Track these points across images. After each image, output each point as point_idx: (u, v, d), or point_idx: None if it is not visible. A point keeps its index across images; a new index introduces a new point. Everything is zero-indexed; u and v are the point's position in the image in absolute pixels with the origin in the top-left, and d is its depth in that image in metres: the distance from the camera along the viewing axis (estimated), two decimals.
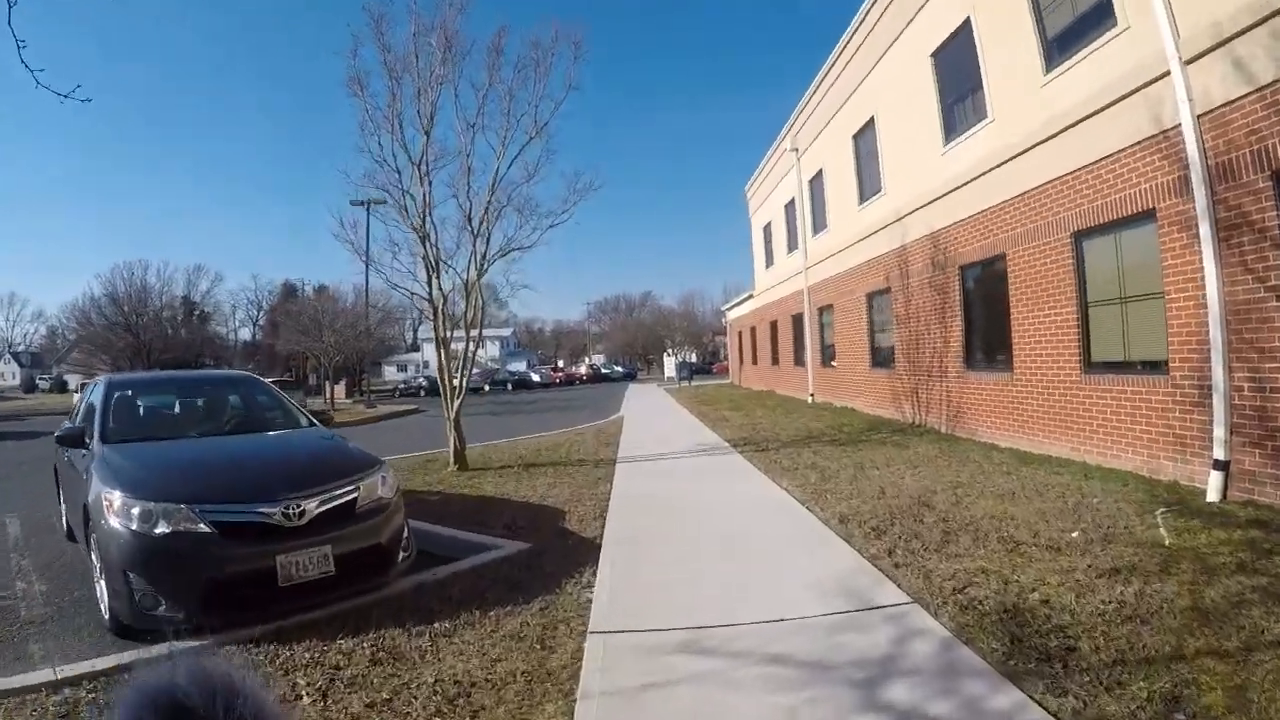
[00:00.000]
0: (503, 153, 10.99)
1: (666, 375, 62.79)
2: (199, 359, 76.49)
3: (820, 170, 19.77)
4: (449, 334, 11.60)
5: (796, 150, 21.65)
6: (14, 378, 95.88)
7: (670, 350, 66.91)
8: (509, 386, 62.23)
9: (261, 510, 4.78)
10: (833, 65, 17.96)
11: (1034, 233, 10.05)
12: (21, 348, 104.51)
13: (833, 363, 19.74)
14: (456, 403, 11.08)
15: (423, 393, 56.93)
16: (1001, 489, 7.62)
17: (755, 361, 31.76)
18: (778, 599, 4.63)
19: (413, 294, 11.57)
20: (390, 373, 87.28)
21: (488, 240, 11.24)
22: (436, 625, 4.51)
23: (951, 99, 12.62)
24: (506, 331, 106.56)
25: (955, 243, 12.44)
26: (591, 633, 4.27)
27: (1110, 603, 4.17)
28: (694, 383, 42.68)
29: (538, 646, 4.14)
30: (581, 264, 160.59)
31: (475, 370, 59.59)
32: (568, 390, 51.71)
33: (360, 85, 11.19)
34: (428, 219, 11.02)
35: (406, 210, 11.06)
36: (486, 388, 61.39)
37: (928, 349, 13.61)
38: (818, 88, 19.28)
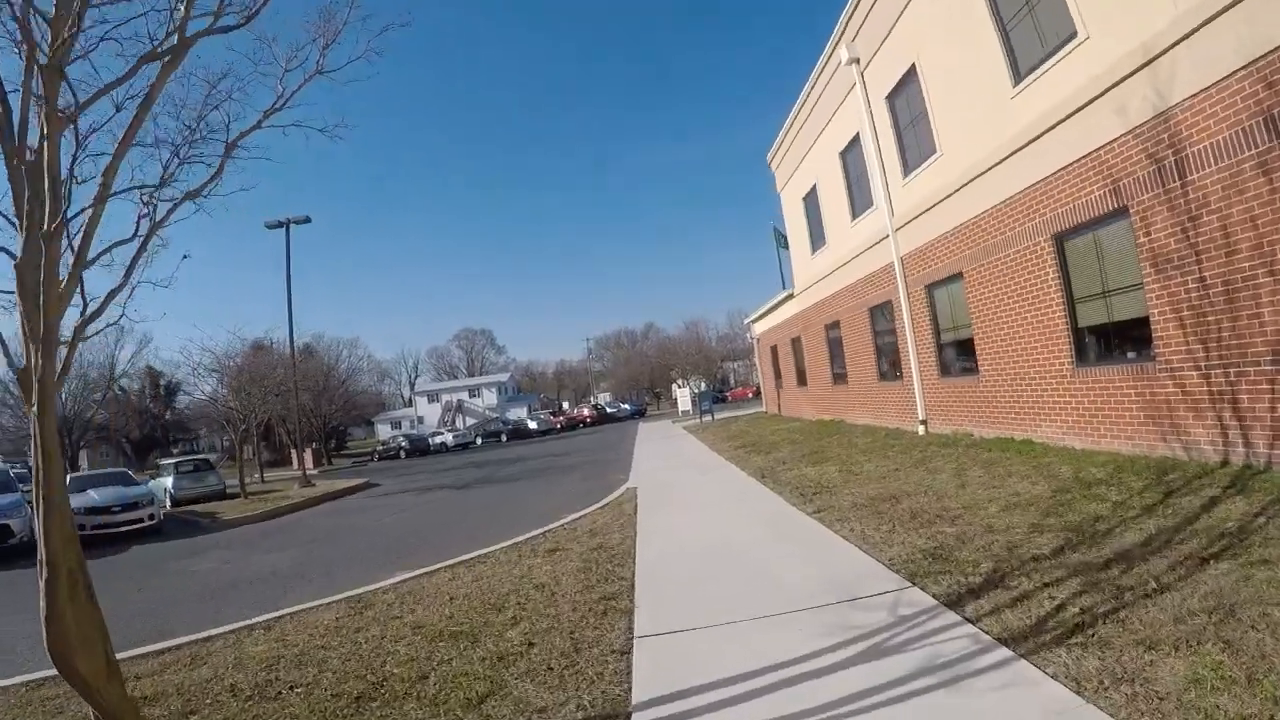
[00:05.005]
0: None
1: (680, 409, 55.20)
2: (168, 436, 69.32)
3: (913, 66, 12.48)
4: None
5: (858, 61, 14.42)
6: None
7: (680, 381, 59.20)
8: (503, 438, 55.04)
9: None
10: None
11: None
12: None
13: (962, 369, 12.32)
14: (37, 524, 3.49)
15: (403, 454, 49.94)
16: None
17: (803, 382, 24.16)
18: None
19: None
20: (385, 431, 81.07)
21: None
22: None
23: None
24: (504, 376, 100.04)
25: None
26: None
27: None
28: (716, 416, 35.17)
29: None
30: (579, 302, 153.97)
31: (470, 420, 52.64)
32: (568, 438, 44.17)
33: None
34: None
35: None
36: (478, 440, 54.59)
37: None
38: None
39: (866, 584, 5.23)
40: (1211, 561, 4.57)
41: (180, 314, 50.52)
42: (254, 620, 6.66)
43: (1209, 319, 7.08)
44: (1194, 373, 7.36)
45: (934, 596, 4.79)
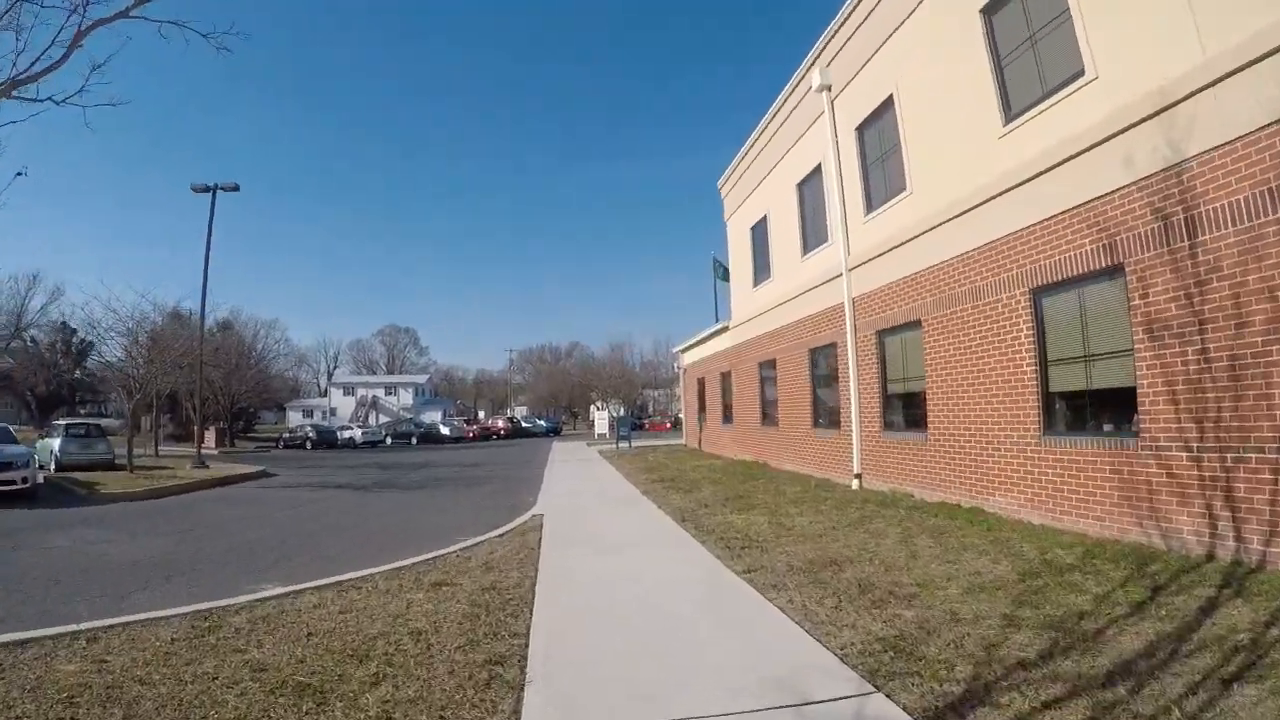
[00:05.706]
0: None
1: (596, 432, 53.85)
2: (75, 396, 63.82)
3: (890, 96, 11.71)
4: None
5: (829, 88, 13.65)
6: None
7: (599, 403, 58.19)
8: (413, 440, 53.00)
9: None
10: None
11: None
12: None
13: (909, 424, 11.49)
14: None
15: (309, 444, 47.12)
16: None
17: (729, 419, 23.22)
18: None
19: None
20: (296, 418, 78.61)
21: None
22: None
23: None
24: (422, 378, 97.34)
25: None
26: None
27: None
28: (633, 444, 33.78)
29: None
30: (507, 313, 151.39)
31: (384, 418, 51.47)
32: (479, 448, 42.29)
33: None
34: None
35: None
36: (388, 440, 52.51)
37: None
38: None
39: (817, 681, 4.05)
40: (1235, 685, 3.69)
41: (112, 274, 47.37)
42: (81, 626, 5.40)
43: (1208, 396, 6.29)
44: (1183, 454, 6.55)
45: (906, 710, 3.65)
